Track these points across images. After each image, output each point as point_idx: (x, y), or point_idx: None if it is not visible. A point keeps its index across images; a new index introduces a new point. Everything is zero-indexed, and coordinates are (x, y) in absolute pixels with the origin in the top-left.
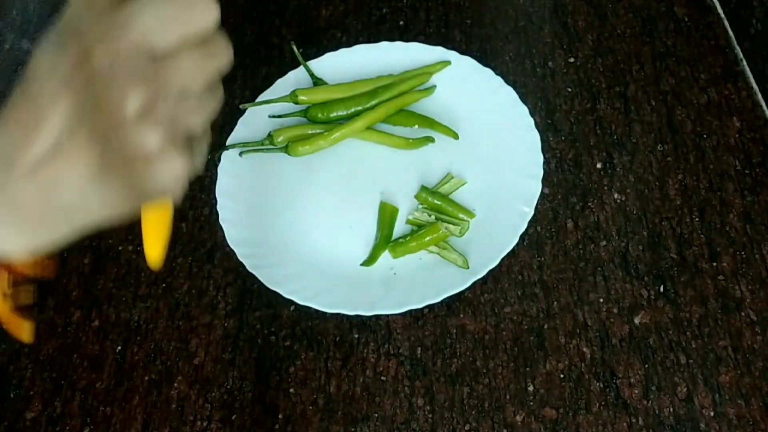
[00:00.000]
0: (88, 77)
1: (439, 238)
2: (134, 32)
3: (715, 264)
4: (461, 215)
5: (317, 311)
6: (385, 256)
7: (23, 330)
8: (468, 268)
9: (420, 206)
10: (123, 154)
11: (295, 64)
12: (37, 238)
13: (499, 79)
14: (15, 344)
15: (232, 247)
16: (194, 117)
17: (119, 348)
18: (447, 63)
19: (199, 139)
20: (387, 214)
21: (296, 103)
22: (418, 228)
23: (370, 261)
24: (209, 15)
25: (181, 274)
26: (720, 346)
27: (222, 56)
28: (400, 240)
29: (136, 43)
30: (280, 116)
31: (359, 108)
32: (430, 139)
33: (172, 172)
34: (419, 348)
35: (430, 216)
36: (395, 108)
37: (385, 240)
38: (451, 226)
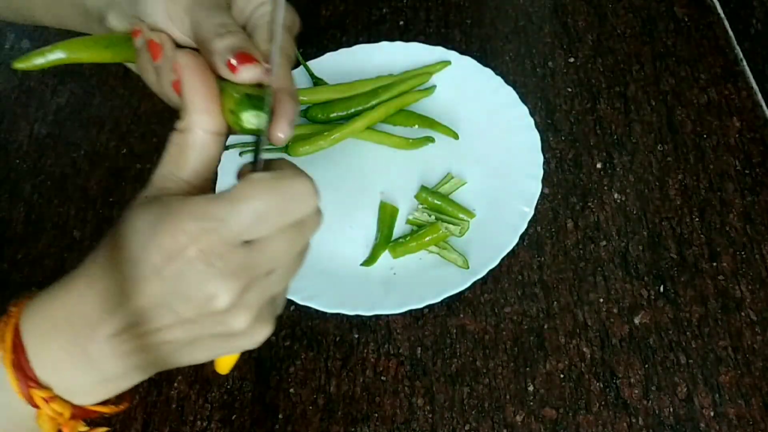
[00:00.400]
0: (180, 270)
1: (439, 238)
2: (231, 230)
3: (715, 264)
4: (461, 215)
5: (317, 311)
6: (385, 256)
7: None
8: (468, 268)
9: (420, 206)
10: (211, 334)
11: (295, 64)
12: (113, 390)
13: (499, 79)
14: None
15: None
16: (282, 286)
17: None
18: (447, 63)
19: (281, 296)
20: (387, 214)
21: None
22: (418, 228)
23: (370, 261)
24: (309, 204)
25: None
26: (720, 346)
27: (314, 228)
28: (400, 240)
29: (231, 241)
30: None
31: (359, 108)
32: (430, 139)
33: (257, 341)
34: (419, 348)
35: (430, 216)
36: (395, 108)
37: (385, 240)
38: (451, 226)
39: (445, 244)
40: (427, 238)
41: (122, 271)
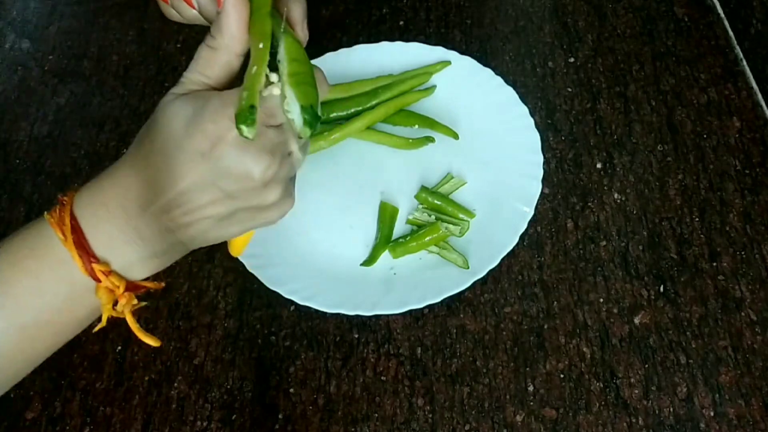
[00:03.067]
0: (224, 151)
1: (439, 238)
2: (262, 115)
3: (715, 264)
4: (461, 215)
5: (317, 311)
6: (385, 256)
7: (150, 338)
8: (468, 268)
9: (420, 206)
10: (248, 207)
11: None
12: (158, 265)
13: (499, 79)
14: None
15: None
16: (297, 167)
17: (119, 348)
18: (447, 63)
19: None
20: (387, 214)
21: None
22: (418, 228)
23: (370, 261)
24: (323, 91)
25: (181, 274)
26: (720, 346)
27: None
28: (400, 240)
29: (262, 123)
30: None
31: (359, 108)
32: (430, 139)
33: (283, 213)
34: (419, 348)
35: (430, 216)
36: (395, 108)
37: (385, 240)
38: (451, 226)
39: (445, 244)
40: (427, 238)
41: (167, 158)
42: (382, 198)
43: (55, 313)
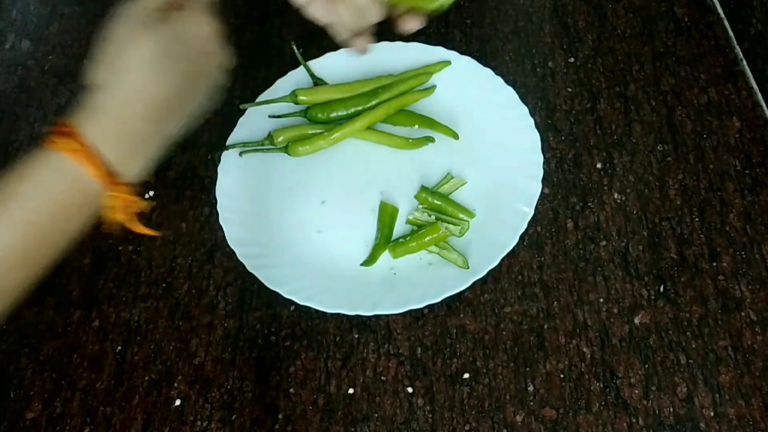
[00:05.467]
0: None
1: (439, 238)
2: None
3: (715, 264)
4: (461, 215)
5: (317, 311)
6: (385, 256)
7: (149, 230)
8: (468, 268)
9: (420, 206)
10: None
11: (295, 64)
12: (142, 164)
13: (499, 79)
14: (15, 344)
15: (232, 247)
16: None
17: (119, 348)
18: (447, 63)
19: None
20: (387, 214)
21: (296, 103)
22: (418, 228)
23: (370, 261)
24: None
25: (181, 274)
26: (720, 346)
27: None
28: (400, 240)
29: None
30: (280, 116)
31: (359, 108)
32: (430, 139)
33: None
34: (419, 348)
35: (430, 216)
36: (395, 108)
37: (385, 240)
38: (451, 226)
39: (445, 244)
40: (427, 238)
41: (151, 73)
42: (382, 198)
43: (68, 219)
